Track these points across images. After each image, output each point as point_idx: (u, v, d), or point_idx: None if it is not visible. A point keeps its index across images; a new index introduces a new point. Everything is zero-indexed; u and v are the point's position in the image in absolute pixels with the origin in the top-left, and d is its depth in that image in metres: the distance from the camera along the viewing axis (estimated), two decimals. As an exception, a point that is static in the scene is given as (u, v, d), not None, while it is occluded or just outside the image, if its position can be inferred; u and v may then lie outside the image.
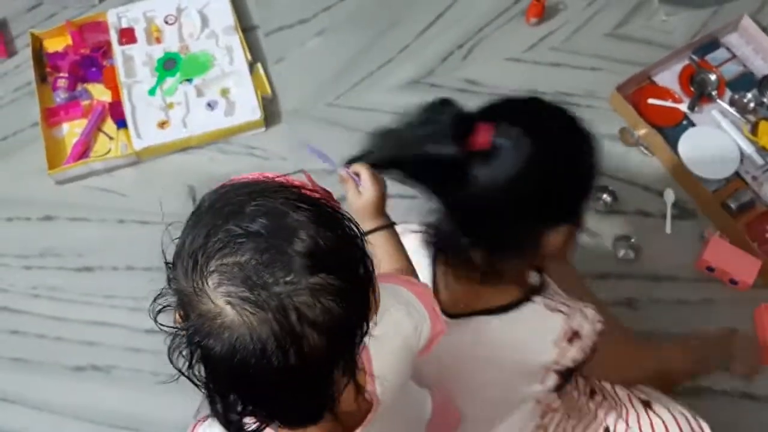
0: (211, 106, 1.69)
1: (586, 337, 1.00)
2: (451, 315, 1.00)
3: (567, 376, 1.03)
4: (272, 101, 1.74)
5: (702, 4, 1.85)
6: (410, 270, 1.02)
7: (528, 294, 1.00)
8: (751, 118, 1.67)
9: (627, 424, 1.12)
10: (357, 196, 1.02)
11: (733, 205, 1.56)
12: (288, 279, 0.60)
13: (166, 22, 1.79)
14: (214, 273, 0.62)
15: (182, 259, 0.66)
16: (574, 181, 0.95)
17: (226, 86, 1.72)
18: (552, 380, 1.03)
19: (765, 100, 1.69)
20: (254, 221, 0.63)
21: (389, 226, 1.04)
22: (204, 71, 1.72)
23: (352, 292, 0.63)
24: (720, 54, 1.76)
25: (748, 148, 1.63)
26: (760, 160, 1.62)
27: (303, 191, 0.68)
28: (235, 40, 1.76)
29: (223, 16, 1.79)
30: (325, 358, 0.62)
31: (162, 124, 1.67)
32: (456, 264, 1.02)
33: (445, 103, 0.96)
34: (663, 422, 1.11)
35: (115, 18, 1.79)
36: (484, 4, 1.87)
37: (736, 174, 1.61)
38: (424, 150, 0.91)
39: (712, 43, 1.77)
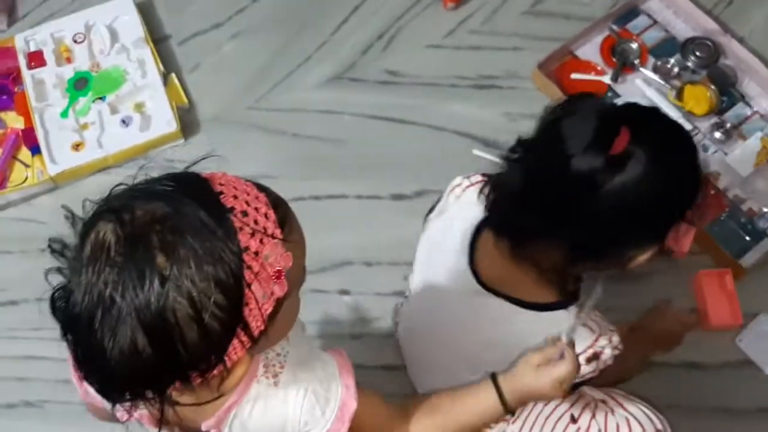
0: (125, 122, 1.63)
1: (602, 361, 0.99)
2: (485, 286, 0.97)
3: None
4: (190, 111, 1.70)
5: (620, -27, 1.83)
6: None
7: (566, 300, 0.97)
8: (676, 83, 1.65)
9: (593, 415, 1.09)
10: (547, 383, 0.90)
11: (662, 174, 1.55)
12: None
13: (75, 41, 1.74)
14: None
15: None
16: (683, 200, 0.92)
17: (141, 100, 1.67)
18: None
19: (688, 63, 1.67)
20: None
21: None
22: (116, 87, 1.67)
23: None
24: (641, 21, 1.74)
25: (675, 114, 1.60)
26: (688, 125, 1.60)
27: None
28: (147, 53, 1.70)
29: (133, 28, 1.73)
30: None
31: (77, 146, 1.62)
32: (517, 248, 0.95)
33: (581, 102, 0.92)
34: (628, 417, 1.09)
35: (22, 42, 1.73)
36: (400, -9, 1.85)
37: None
38: (570, 163, 0.84)
39: (632, 11, 1.75)
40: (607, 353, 0.97)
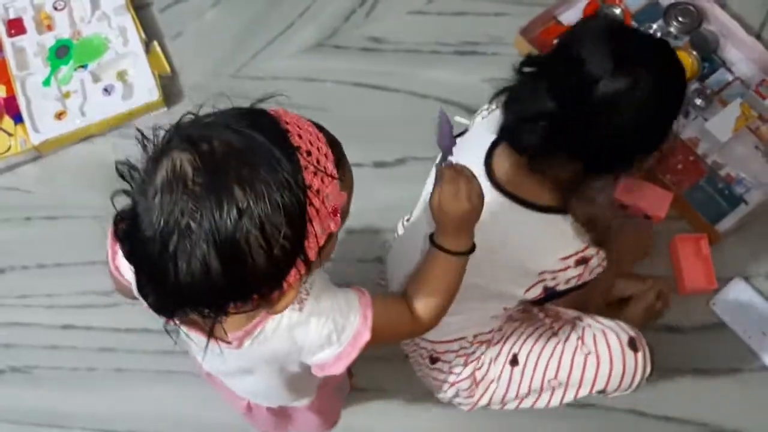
0: (108, 91, 1.63)
1: (589, 268, 1.03)
2: (499, 187, 1.02)
3: (549, 296, 1.07)
4: (172, 79, 1.69)
5: (603, -63, 1.82)
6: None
7: (563, 208, 1.02)
8: (658, 49, 1.66)
9: (572, 326, 1.17)
10: (457, 200, 0.88)
11: (642, 140, 1.56)
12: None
13: (56, 8, 1.72)
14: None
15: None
16: (678, 106, 1.00)
17: (123, 69, 1.67)
18: (536, 292, 1.06)
19: (671, 29, 1.67)
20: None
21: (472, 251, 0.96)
22: (98, 55, 1.66)
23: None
24: (624, -15, 1.75)
25: (656, 80, 1.62)
26: (668, 91, 1.61)
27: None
28: (128, 20, 1.69)
29: (114, -5, 1.73)
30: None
31: (59, 115, 1.62)
32: (535, 163, 1.00)
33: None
34: (604, 329, 1.17)
35: (1, 9, 1.72)
36: (383, -43, 1.83)
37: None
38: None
39: (616, -24, 1.75)
40: (594, 263, 1.03)
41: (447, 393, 1.25)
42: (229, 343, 0.82)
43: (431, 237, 0.92)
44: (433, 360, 1.22)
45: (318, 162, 0.69)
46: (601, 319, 1.20)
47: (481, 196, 0.90)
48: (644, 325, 1.40)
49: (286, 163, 0.66)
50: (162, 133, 0.69)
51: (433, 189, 0.90)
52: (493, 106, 1.15)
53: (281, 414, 1.16)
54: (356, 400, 1.41)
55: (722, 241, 1.50)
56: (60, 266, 1.55)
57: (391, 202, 1.47)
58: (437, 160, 0.94)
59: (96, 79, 1.65)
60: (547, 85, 0.93)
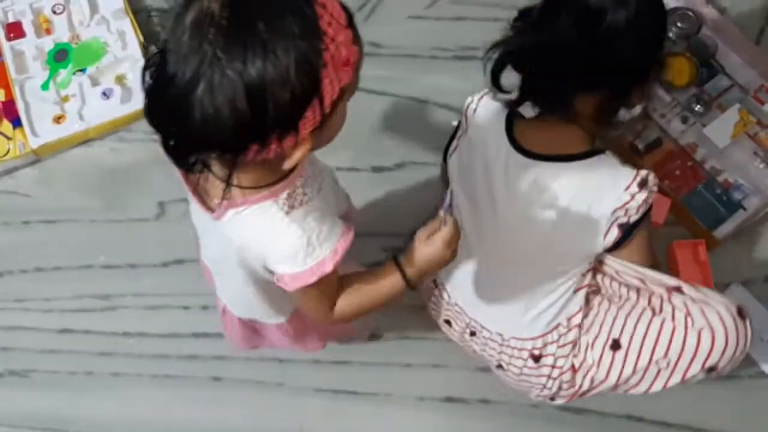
0: (106, 95, 1.64)
1: (649, 188, 1.07)
2: (531, 155, 1.07)
3: (627, 231, 1.10)
4: (171, 84, 1.70)
5: (602, -58, 1.82)
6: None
7: (601, 146, 1.10)
8: (657, 54, 1.66)
9: (672, 305, 1.15)
10: (446, 248, 0.98)
11: (640, 145, 1.55)
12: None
13: (54, 12, 1.72)
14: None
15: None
16: (665, 28, 1.10)
17: (121, 72, 1.67)
18: (614, 234, 1.09)
19: (670, 35, 1.66)
20: None
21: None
22: (97, 59, 1.66)
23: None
24: (623, -9, 1.75)
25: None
26: (667, 97, 1.60)
27: None
28: (127, 24, 1.69)
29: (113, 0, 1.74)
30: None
31: (58, 119, 1.62)
32: (549, 111, 1.08)
33: None
34: (708, 300, 1.15)
35: (0, 13, 1.72)
36: (382, -38, 1.83)
37: (644, 112, 1.61)
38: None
39: (615, -19, 1.75)
40: (651, 180, 1.07)
41: (551, 389, 1.23)
42: (211, 211, 0.88)
43: (395, 257, 1.00)
44: (537, 358, 1.22)
45: (332, 15, 0.75)
46: (699, 287, 1.17)
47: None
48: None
49: (306, 7, 0.73)
50: None
51: (429, 225, 0.98)
52: (477, 96, 1.21)
53: (251, 329, 1.20)
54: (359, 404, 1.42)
55: (720, 247, 1.49)
56: (58, 270, 1.55)
57: (390, 207, 1.47)
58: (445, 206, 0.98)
59: (95, 82, 1.66)
60: (557, 21, 1.00)
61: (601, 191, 1.07)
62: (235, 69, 0.69)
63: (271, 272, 0.93)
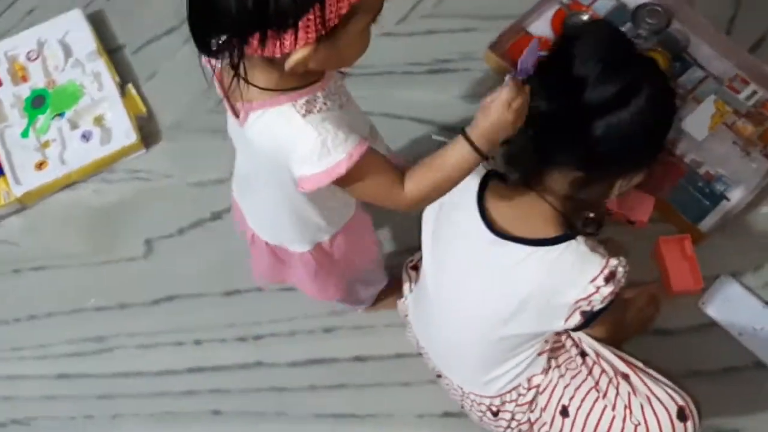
0: (86, 137, 1.65)
1: (617, 280, 1.02)
2: (500, 234, 1.04)
3: (590, 318, 1.05)
4: (149, 119, 1.71)
5: (567, -56, 1.83)
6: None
7: (573, 232, 1.03)
8: (629, 52, 1.67)
9: (617, 391, 1.14)
10: (506, 109, 0.92)
11: (619, 145, 1.56)
12: None
13: (29, 59, 1.74)
14: None
15: None
16: (666, 130, 1.02)
17: (99, 113, 1.68)
18: (575, 319, 1.05)
19: (640, 31, 1.68)
20: None
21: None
22: (74, 102, 1.67)
23: None
24: (591, -9, 1.75)
25: (629, 84, 1.62)
26: (642, 94, 1.62)
27: None
28: (102, 65, 1.71)
29: (85, 41, 1.74)
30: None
31: (40, 165, 1.63)
32: (529, 179, 1.03)
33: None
34: (650, 396, 1.13)
35: (-25, 63, 1.74)
36: (350, -19, 1.84)
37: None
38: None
39: (583, -19, 1.76)
40: (621, 271, 1.02)
41: None
42: (237, 116, 0.94)
43: (462, 129, 0.96)
44: (495, 413, 1.22)
45: None
46: (648, 381, 1.15)
47: (524, 117, 0.94)
48: (639, 333, 1.40)
49: None
50: None
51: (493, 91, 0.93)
52: None
53: (277, 257, 1.22)
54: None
55: (707, 240, 1.49)
56: (51, 315, 1.55)
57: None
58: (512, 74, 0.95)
59: (74, 126, 1.67)
60: (538, 89, 0.95)
61: (566, 281, 1.02)
62: None
63: (296, 181, 0.97)
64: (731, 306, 1.46)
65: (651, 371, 1.17)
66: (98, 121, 1.68)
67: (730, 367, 1.43)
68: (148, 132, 1.69)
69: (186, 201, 1.63)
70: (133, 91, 1.70)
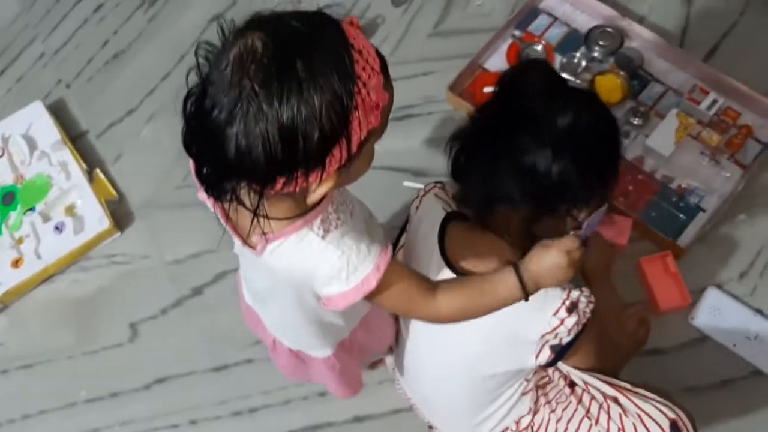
0: (59, 228, 1.64)
1: (581, 311, 1.01)
2: (461, 273, 1.04)
3: (560, 352, 1.04)
4: (120, 202, 1.70)
5: (512, -23, 1.85)
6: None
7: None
8: (587, 76, 1.67)
9: (609, 415, 1.14)
10: (562, 267, 0.95)
11: (588, 170, 1.56)
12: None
13: (-5, 156, 1.75)
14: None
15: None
16: (615, 157, 1.03)
17: (70, 203, 1.67)
18: (546, 354, 1.04)
19: (595, 54, 1.69)
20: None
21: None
22: (44, 195, 1.67)
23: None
24: (542, 21, 1.76)
25: (590, 108, 1.63)
26: (604, 116, 1.63)
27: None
28: (67, 154, 1.71)
29: (49, 132, 1.74)
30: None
31: (16, 263, 1.62)
32: (485, 217, 1.04)
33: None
34: (641, 414, 1.13)
35: (-57, 166, 1.74)
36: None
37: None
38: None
39: (532, 12, 1.77)
40: (583, 301, 1.01)
41: None
42: (253, 248, 0.91)
43: (515, 265, 0.96)
44: None
45: (367, 61, 0.78)
46: (637, 400, 1.14)
47: (576, 272, 0.96)
48: (632, 355, 1.38)
49: (343, 51, 0.76)
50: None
51: (554, 242, 0.95)
52: (422, 192, 1.17)
53: (299, 358, 1.21)
54: None
55: (688, 254, 1.49)
56: (44, 413, 1.53)
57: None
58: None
59: (45, 218, 1.66)
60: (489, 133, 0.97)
61: (529, 317, 1.01)
62: (271, 106, 0.73)
63: (319, 297, 0.95)
64: (721, 317, 1.46)
65: (639, 390, 1.17)
66: (69, 210, 1.67)
67: (728, 379, 1.42)
68: (120, 214, 1.69)
69: (165, 280, 1.62)
70: (101, 176, 1.70)
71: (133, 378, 1.54)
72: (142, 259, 1.65)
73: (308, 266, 0.91)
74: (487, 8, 1.82)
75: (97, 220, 1.64)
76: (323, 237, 0.89)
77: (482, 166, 1.00)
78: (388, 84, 0.82)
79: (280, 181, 0.78)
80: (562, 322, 1.00)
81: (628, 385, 1.17)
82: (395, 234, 1.24)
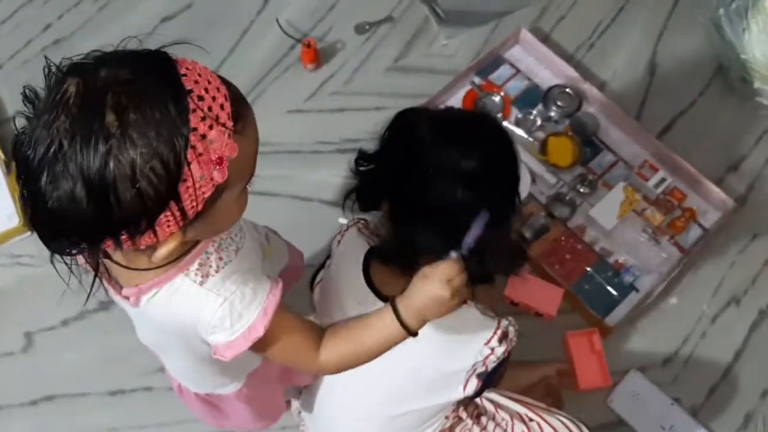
0: (-35, 221, 1.53)
1: (510, 339, 1.04)
2: (381, 297, 1.01)
3: (487, 380, 1.05)
4: (37, 200, 1.60)
5: (480, 21, 1.79)
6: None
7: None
8: (540, 135, 1.63)
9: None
10: (443, 288, 0.88)
11: (528, 234, 1.52)
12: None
13: None
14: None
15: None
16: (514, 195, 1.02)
17: (-27, 197, 1.56)
18: (473, 384, 1.04)
19: (551, 114, 1.66)
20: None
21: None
22: (-52, 184, 1.56)
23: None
24: (504, 71, 1.71)
25: (539, 169, 1.59)
26: (552, 179, 1.58)
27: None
28: (-17, 140, 1.60)
29: (-30, 114, 1.63)
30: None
31: None
32: (406, 266, 0.97)
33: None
34: (545, 425, 1.16)
35: None
36: (259, 53, 1.77)
37: (531, 197, 1.58)
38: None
39: (496, 60, 1.73)
40: (512, 330, 1.05)
41: None
42: (126, 298, 0.84)
43: (392, 299, 0.91)
44: None
45: (210, 109, 0.69)
46: (543, 414, 1.17)
47: (461, 298, 0.91)
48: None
49: (171, 101, 0.67)
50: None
51: (434, 270, 0.89)
52: (344, 227, 1.14)
53: (210, 403, 1.13)
54: None
55: (616, 332, 1.46)
56: None
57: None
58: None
59: (-47, 210, 1.55)
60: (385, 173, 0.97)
61: (463, 348, 1.01)
62: (76, 162, 0.64)
63: (209, 344, 0.88)
64: (639, 403, 1.43)
65: (543, 405, 1.21)
66: (-21, 203, 1.56)
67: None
68: (34, 212, 1.58)
69: (72, 289, 1.51)
70: (21, 168, 1.59)
71: (20, 392, 1.43)
72: (50, 263, 1.54)
73: (188, 316, 0.84)
74: (451, 49, 1.77)
75: (8, 216, 1.53)
76: (201, 284, 0.82)
77: (400, 227, 0.97)
78: (245, 131, 0.73)
79: (108, 241, 0.70)
80: (493, 351, 1.02)
81: (534, 401, 1.21)
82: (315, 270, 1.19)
